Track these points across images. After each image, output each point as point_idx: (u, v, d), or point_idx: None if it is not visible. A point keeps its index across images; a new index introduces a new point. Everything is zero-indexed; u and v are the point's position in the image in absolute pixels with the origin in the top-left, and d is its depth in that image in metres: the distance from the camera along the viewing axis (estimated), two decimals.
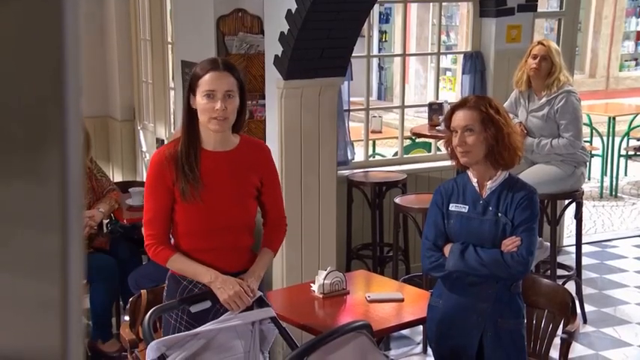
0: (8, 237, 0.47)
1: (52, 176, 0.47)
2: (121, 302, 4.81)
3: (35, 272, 0.48)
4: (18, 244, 0.48)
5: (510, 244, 2.94)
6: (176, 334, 2.74)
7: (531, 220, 2.97)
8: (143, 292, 3.49)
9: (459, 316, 3.05)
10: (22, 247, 0.48)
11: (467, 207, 3.02)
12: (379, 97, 14.50)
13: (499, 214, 2.98)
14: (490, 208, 3.00)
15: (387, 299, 3.47)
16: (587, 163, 5.33)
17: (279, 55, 4.29)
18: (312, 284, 3.60)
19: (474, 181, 3.05)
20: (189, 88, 2.83)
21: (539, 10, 6.25)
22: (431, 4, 10.89)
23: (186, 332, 2.72)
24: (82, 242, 0.48)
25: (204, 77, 2.79)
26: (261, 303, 2.87)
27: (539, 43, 4.96)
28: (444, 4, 6.61)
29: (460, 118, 3.00)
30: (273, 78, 4.37)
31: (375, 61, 14.08)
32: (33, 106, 0.47)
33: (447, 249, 3.01)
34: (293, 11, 4.13)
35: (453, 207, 3.05)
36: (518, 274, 2.96)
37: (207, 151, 2.86)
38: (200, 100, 2.79)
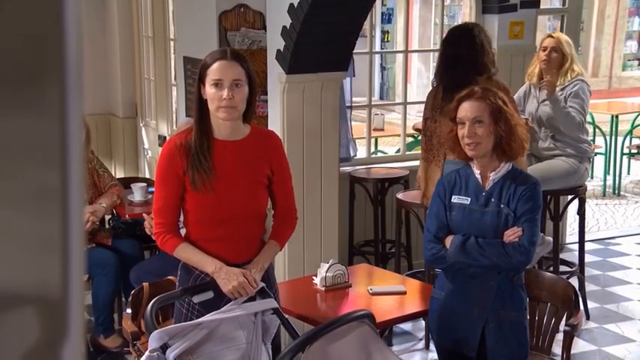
0: (8, 172, 0.47)
1: (51, 110, 0.46)
2: (122, 298, 4.81)
3: (35, 208, 0.47)
4: (18, 179, 0.47)
5: (512, 234, 2.92)
6: (178, 324, 2.73)
7: (533, 210, 2.96)
8: (145, 284, 3.50)
9: (461, 308, 3.03)
10: (22, 183, 0.47)
11: (469, 199, 3.01)
12: (381, 97, 14.51)
13: (501, 206, 2.96)
14: (492, 200, 2.98)
15: (390, 292, 3.46)
16: (591, 159, 5.32)
17: (282, 50, 4.29)
18: (314, 277, 3.60)
19: (477, 172, 3.03)
20: (199, 78, 2.85)
21: (541, 6, 6.25)
22: (433, 2, 10.91)
23: (189, 322, 2.72)
24: (82, 179, 0.47)
25: (212, 67, 2.81)
26: (263, 294, 2.86)
27: (549, 35, 5.01)
28: (445, 3, 6.61)
29: (468, 109, 2.96)
30: (275, 72, 4.36)
31: (377, 61, 14.08)
32: (33, 40, 0.47)
33: (447, 240, 3.00)
34: (295, 5, 4.12)
35: (455, 199, 3.03)
36: (519, 264, 2.95)
37: (218, 140, 2.88)
38: (208, 90, 2.81)
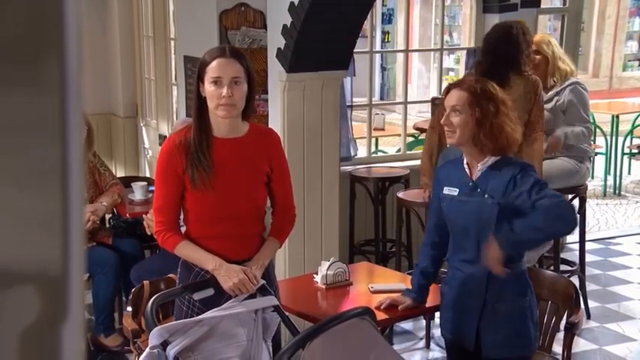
0: (8, 148, 0.47)
1: (51, 86, 0.46)
2: (123, 297, 4.81)
3: (35, 184, 0.47)
4: (18, 155, 0.47)
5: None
6: (178, 321, 2.73)
7: (537, 181, 2.88)
8: (145, 282, 3.50)
9: (459, 301, 3.05)
10: (22, 159, 0.47)
11: (457, 190, 3.02)
12: (382, 98, 14.51)
13: (485, 196, 2.95)
14: (478, 190, 2.97)
15: (390, 290, 3.45)
16: (592, 158, 5.33)
17: (282, 48, 4.29)
18: (315, 275, 3.59)
19: (464, 162, 3.05)
20: (198, 76, 2.85)
21: (542, 6, 6.25)
22: (433, 3, 10.91)
23: (189, 319, 2.72)
24: (82, 155, 0.47)
25: (211, 64, 2.81)
26: (263, 291, 2.87)
27: None
28: (446, 3, 6.62)
29: (451, 96, 3.00)
30: (275, 71, 4.36)
31: (377, 61, 14.08)
32: (33, 16, 0.46)
33: (492, 249, 2.92)
34: (296, 4, 4.12)
35: (446, 190, 3.06)
36: (571, 216, 2.90)
37: (217, 138, 2.87)
38: (208, 87, 2.81)
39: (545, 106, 4.91)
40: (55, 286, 0.48)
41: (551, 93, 4.89)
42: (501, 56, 4.27)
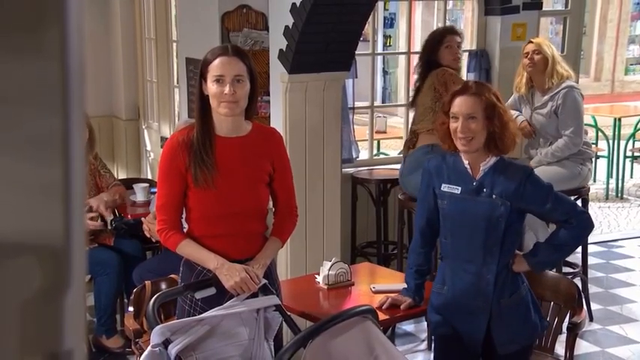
0: (9, 117, 0.46)
1: (52, 54, 0.46)
2: (125, 299, 4.80)
3: (36, 154, 0.47)
4: (18, 125, 0.47)
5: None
6: (180, 320, 2.72)
7: (548, 191, 3.00)
8: (147, 282, 3.49)
9: (463, 302, 3.02)
10: (23, 128, 0.47)
11: (459, 188, 3.00)
12: (383, 101, 14.50)
13: (493, 196, 2.95)
14: (485, 190, 2.97)
15: (392, 290, 3.44)
16: (593, 159, 5.31)
17: (284, 50, 4.29)
18: (316, 275, 3.59)
19: (466, 162, 3.02)
20: (201, 75, 2.85)
21: (544, 8, 6.25)
22: (435, 7, 10.91)
23: (191, 318, 2.72)
24: (83, 124, 0.47)
25: (214, 62, 2.81)
26: (265, 290, 2.86)
27: (530, 41, 5.01)
28: (448, 7, 6.62)
29: (462, 104, 2.95)
30: (277, 72, 4.37)
31: (379, 65, 14.08)
32: None
33: (519, 265, 3.05)
34: (298, 5, 4.13)
35: (445, 187, 3.03)
36: (590, 224, 3.26)
37: (220, 137, 2.87)
38: (210, 86, 2.81)
39: (541, 111, 4.89)
40: (56, 257, 0.47)
41: (545, 97, 4.87)
42: (421, 59, 4.83)
